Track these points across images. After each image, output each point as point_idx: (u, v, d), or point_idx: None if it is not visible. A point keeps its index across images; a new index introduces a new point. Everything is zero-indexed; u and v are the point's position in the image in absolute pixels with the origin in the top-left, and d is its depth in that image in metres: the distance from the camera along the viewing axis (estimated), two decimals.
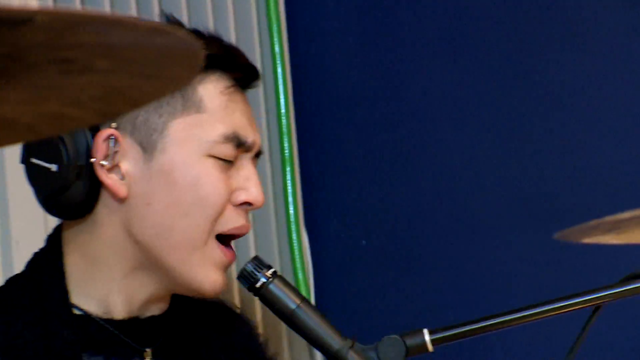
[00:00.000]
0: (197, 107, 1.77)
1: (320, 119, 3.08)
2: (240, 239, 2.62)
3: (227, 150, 1.76)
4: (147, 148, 1.76)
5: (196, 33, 1.74)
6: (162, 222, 1.76)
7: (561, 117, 2.83)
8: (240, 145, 1.77)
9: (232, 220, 1.77)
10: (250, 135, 1.80)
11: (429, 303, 2.90)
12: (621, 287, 1.72)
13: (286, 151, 2.89)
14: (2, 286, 1.81)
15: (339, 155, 3.08)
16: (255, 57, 2.87)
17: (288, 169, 2.89)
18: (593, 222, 1.38)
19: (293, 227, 2.87)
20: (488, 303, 2.72)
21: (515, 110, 2.89)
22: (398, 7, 2.97)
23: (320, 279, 3.02)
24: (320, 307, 2.89)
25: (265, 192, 2.72)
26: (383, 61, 3.02)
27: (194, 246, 1.74)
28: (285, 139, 2.89)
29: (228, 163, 1.77)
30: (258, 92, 2.82)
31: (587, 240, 1.51)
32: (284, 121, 2.89)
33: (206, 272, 1.76)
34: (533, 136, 2.82)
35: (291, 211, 2.88)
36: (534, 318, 1.79)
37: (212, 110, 1.76)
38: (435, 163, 2.96)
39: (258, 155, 1.86)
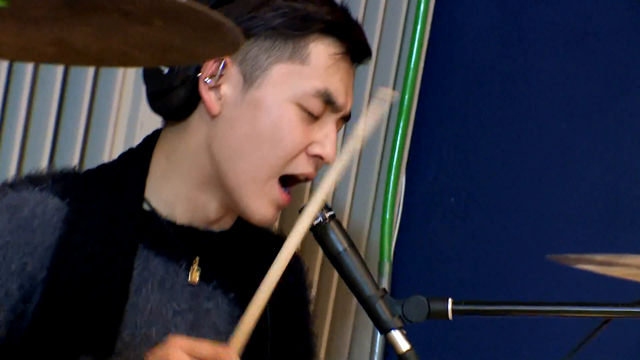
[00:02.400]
0: (302, 59, 1.81)
1: (444, 79, 3.13)
2: (345, 174, 2.71)
3: (315, 105, 1.80)
4: (248, 80, 1.81)
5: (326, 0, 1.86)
6: (237, 148, 1.82)
7: None
8: (330, 103, 1.81)
9: (302, 167, 1.82)
10: (341, 98, 1.82)
11: (495, 272, 2.94)
12: (633, 307, 1.75)
13: (405, 101, 2.96)
14: (93, 169, 1.92)
15: (452, 113, 3.15)
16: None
17: (403, 116, 2.96)
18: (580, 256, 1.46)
19: (394, 169, 2.97)
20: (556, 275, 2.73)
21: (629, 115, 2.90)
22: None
23: (406, 223, 3.08)
24: (398, 250, 3.04)
25: (377, 134, 2.82)
26: (512, 47, 3.06)
27: (255, 179, 1.80)
28: (407, 91, 2.95)
29: (312, 116, 1.81)
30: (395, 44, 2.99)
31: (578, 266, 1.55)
32: (410, 75, 2.96)
33: (259, 204, 1.82)
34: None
35: (395, 154, 2.96)
36: (549, 314, 1.86)
37: (315, 66, 1.79)
38: (536, 146, 2.98)
39: (345, 119, 1.89)
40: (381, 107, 1.75)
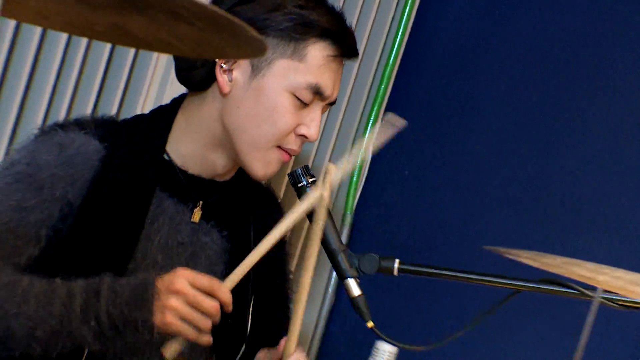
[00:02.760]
0: (300, 57, 1.94)
1: (415, 78, 3.21)
2: (329, 122, 2.88)
3: (306, 95, 1.94)
4: (255, 69, 1.95)
5: (329, 9, 1.98)
6: (242, 124, 1.97)
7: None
8: (318, 94, 1.94)
9: (290, 144, 1.97)
10: (328, 91, 1.96)
11: (435, 241, 3.04)
12: (537, 284, 1.93)
13: (381, 90, 3.11)
14: (129, 119, 2.08)
15: (418, 105, 3.23)
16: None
17: (378, 100, 3.14)
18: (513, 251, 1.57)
19: (370, 124, 3.10)
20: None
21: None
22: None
23: (368, 187, 3.18)
24: (359, 207, 3.13)
25: (362, 92, 3.09)
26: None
27: (255, 148, 1.96)
28: (385, 80, 3.10)
29: (303, 104, 1.95)
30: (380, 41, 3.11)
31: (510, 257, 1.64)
32: (388, 68, 3.12)
33: (259, 165, 1.97)
34: None
35: (368, 129, 3.09)
36: (473, 281, 2.00)
37: (310, 64, 1.93)
38: (482, 141, 3.06)
39: (331, 104, 2.04)
40: (389, 130, 1.87)
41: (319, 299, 3.03)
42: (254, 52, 1.28)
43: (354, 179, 3.14)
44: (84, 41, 2.48)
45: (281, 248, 2.18)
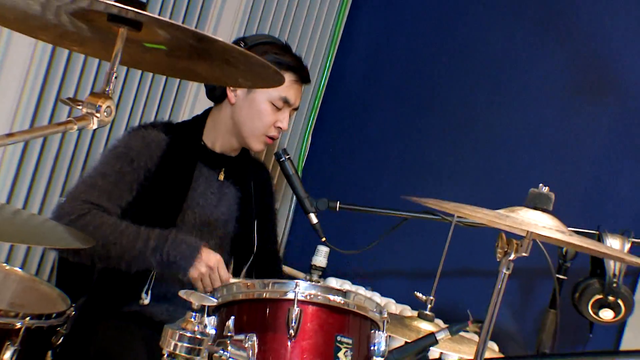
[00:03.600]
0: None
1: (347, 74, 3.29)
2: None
3: (279, 103, 2.16)
4: (249, 90, 2.17)
5: (289, 51, 2.20)
6: (243, 122, 2.19)
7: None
8: (287, 103, 2.17)
9: (272, 132, 2.19)
10: (292, 100, 2.18)
11: (366, 188, 3.10)
12: (421, 214, 2.25)
13: (321, 86, 3.25)
14: (179, 122, 2.30)
15: (353, 97, 3.28)
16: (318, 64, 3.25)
17: (319, 92, 3.23)
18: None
19: (311, 120, 3.25)
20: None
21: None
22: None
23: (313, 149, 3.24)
24: (307, 163, 3.18)
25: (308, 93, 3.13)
26: None
27: (253, 134, 2.18)
28: (323, 79, 3.25)
29: (277, 109, 2.17)
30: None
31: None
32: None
33: (255, 144, 2.20)
34: None
35: (316, 110, 3.23)
36: (380, 214, 2.31)
37: (282, 86, 1.99)
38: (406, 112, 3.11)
39: (295, 109, 2.23)
40: None
41: (283, 220, 3.21)
42: (276, 83, 1.42)
43: (303, 144, 3.28)
44: (149, 76, 2.73)
45: (270, 195, 2.38)
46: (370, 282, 2.79)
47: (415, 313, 1.98)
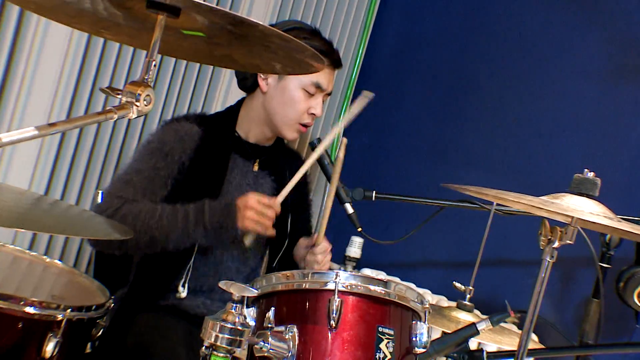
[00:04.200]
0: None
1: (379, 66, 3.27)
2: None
3: (311, 89, 2.14)
4: (280, 76, 2.15)
5: (319, 35, 2.17)
6: (275, 110, 2.16)
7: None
8: (319, 88, 2.14)
9: (305, 120, 2.17)
10: (325, 86, 2.15)
11: (404, 178, 3.06)
12: (461, 202, 2.22)
13: (357, 60, 3.24)
14: (213, 113, 2.27)
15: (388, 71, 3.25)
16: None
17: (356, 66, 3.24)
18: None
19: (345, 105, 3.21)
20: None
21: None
22: None
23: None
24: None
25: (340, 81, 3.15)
26: None
27: (286, 123, 2.16)
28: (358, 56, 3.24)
29: (310, 95, 2.14)
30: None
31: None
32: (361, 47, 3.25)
33: (289, 133, 2.18)
34: None
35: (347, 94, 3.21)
36: (420, 202, 2.28)
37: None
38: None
39: (328, 94, 2.19)
40: (364, 100, 2.02)
41: (317, 211, 2.98)
42: (316, 68, 1.38)
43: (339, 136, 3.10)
44: (182, 66, 2.74)
45: (305, 185, 2.37)
46: (405, 272, 2.76)
47: (451, 304, 1.96)
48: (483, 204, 2.21)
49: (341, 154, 1.96)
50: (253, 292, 1.38)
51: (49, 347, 1.61)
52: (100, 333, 1.75)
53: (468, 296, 1.93)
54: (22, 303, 1.57)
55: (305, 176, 2.31)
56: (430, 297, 2.72)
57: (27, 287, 1.80)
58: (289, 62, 1.36)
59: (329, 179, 2.17)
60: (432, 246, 2.87)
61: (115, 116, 1.15)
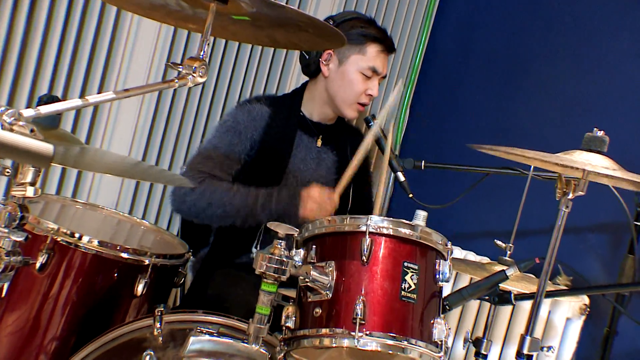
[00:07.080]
0: (363, 53, 2.20)
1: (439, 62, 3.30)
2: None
3: (368, 73, 2.22)
4: (340, 62, 2.24)
5: (373, 24, 2.23)
6: (336, 92, 2.25)
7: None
8: (375, 72, 2.22)
9: (362, 99, 2.24)
10: (380, 70, 2.22)
11: (446, 149, 3.08)
12: (502, 169, 2.28)
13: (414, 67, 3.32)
14: (281, 95, 2.37)
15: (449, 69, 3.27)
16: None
17: (415, 69, 3.30)
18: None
19: (408, 93, 3.28)
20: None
21: None
22: None
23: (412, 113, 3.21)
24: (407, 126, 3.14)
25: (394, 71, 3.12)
26: None
27: (346, 103, 2.24)
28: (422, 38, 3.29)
29: (367, 78, 2.22)
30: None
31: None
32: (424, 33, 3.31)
33: (349, 112, 2.26)
34: None
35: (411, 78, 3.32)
36: (468, 170, 2.35)
37: (369, 56, 2.20)
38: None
39: (383, 77, 2.26)
40: (397, 91, 2.12)
41: (383, 188, 3.03)
42: (340, 44, 1.50)
43: (402, 114, 3.30)
44: (258, 52, 2.86)
45: (365, 159, 2.34)
46: (459, 240, 2.74)
47: (493, 262, 2.04)
48: (522, 170, 2.30)
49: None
50: (295, 230, 1.55)
51: (140, 287, 1.85)
52: (182, 281, 1.97)
53: (508, 252, 2.02)
54: (118, 248, 1.81)
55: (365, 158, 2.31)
56: (474, 257, 2.78)
57: (119, 239, 2.00)
58: (319, 39, 1.47)
59: (382, 150, 2.24)
60: (478, 212, 2.91)
61: (177, 85, 1.37)
